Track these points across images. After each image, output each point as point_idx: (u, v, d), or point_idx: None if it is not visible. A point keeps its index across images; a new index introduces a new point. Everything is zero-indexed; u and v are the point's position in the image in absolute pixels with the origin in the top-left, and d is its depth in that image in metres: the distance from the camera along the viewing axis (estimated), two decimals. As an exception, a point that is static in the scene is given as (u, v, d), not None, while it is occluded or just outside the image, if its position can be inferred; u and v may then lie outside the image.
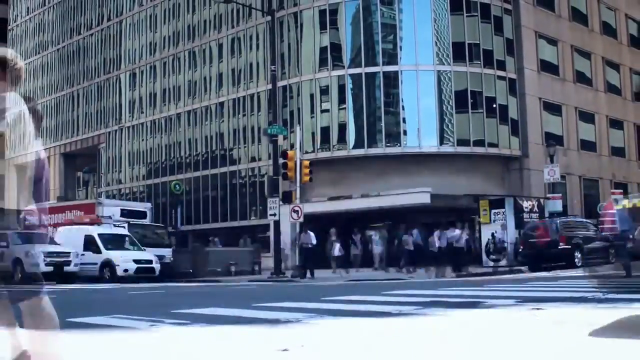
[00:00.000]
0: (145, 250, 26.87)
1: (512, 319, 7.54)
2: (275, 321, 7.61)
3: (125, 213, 30.47)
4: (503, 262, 26.34)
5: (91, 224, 27.61)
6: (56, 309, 4.13)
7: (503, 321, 7.41)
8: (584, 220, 28.08)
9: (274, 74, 28.52)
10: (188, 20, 45.65)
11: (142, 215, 31.51)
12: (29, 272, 4.30)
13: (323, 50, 37.47)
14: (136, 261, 25.38)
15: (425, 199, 31.87)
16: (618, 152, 43.33)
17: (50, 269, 21.99)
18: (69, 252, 24.41)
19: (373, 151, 35.34)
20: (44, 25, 60.01)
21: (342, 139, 36.56)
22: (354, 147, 35.86)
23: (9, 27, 63.89)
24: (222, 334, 6.77)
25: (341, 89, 36.82)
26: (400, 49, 36.49)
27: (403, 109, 36.09)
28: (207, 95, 43.98)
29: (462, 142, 35.51)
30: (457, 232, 25.15)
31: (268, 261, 30.15)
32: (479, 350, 5.40)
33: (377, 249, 28.54)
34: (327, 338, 6.39)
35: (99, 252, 25.65)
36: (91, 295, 16.33)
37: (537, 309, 8.13)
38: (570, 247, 23.47)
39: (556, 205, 29.89)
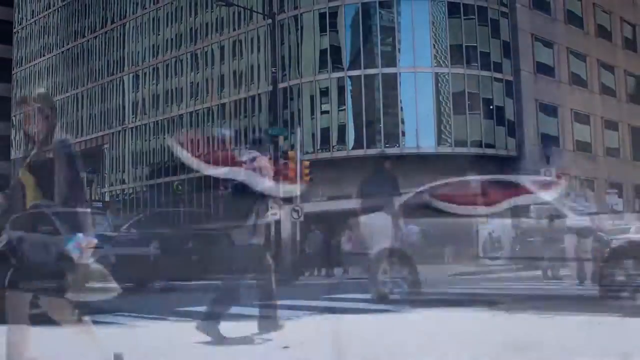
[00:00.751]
0: None
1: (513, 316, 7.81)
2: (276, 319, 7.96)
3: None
4: (500, 261, 26.68)
5: None
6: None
7: (503, 317, 7.75)
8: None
9: (275, 76, 28.80)
10: (190, 23, 46.00)
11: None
12: None
13: (323, 52, 37.84)
14: None
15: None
16: (613, 152, 43.73)
17: None
18: None
19: (372, 152, 35.77)
20: (48, 27, 60.18)
21: (341, 139, 37.02)
22: (354, 147, 36.29)
23: (14, 30, 64.12)
24: (223, 331, 6.68)
25: (341, 90, 37.20)
26: (399, 52, 36.85)
27: (402, 110, 36.53)
28: (209, 96, 44.42)
29: (459, 143, 35.95)
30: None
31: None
32: (480, 343, 5.66)
33: None
34: (327, 335, 6.39)
35: None
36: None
37: (536, 306, 8.37)
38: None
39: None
